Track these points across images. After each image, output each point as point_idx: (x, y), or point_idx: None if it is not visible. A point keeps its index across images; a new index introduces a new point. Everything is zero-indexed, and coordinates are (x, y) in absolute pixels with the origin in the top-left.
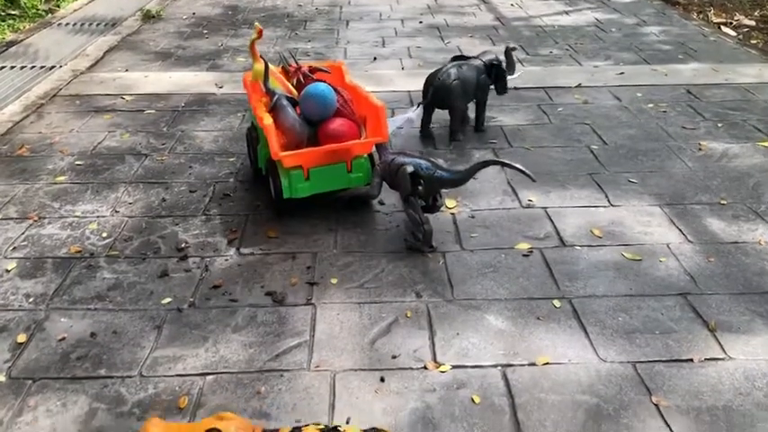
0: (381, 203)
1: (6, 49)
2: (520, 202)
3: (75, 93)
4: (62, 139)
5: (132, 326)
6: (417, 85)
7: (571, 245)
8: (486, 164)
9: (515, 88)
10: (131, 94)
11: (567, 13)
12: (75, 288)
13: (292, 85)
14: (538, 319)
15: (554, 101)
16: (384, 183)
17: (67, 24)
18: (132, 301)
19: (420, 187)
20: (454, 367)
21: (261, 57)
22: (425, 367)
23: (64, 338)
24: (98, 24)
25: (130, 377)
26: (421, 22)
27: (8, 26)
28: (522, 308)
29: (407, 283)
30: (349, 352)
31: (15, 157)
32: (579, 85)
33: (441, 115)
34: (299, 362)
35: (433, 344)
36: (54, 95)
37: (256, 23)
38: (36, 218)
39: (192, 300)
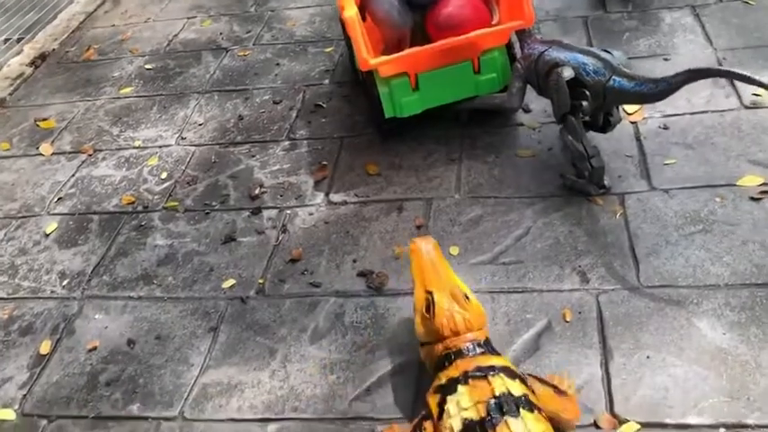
0: (526, 111)
1: None
2: (739, 97)
3: None
4: (135, 34)
5: (181, 326)
6: None
7: None
8: (703, 74)
9: None
10: None
11: None
12: (119, 263)
13: None
14: None
15: None
16: (529, 86)
17: None
18: (186, 284)
19: (585, 102)
20: (645, 426)
21: None
22: (596, 425)
23: (95, 348)
24: None
25: (169, 420)
26: None
27: None
28: (756, 304)
29: (566, 254)
30: None
31: (81, 63)
32: None
33: None
34: (400, 403)
35: (607, 376)
36: None
37: None
38: (91, 151)
39: (260, 282)
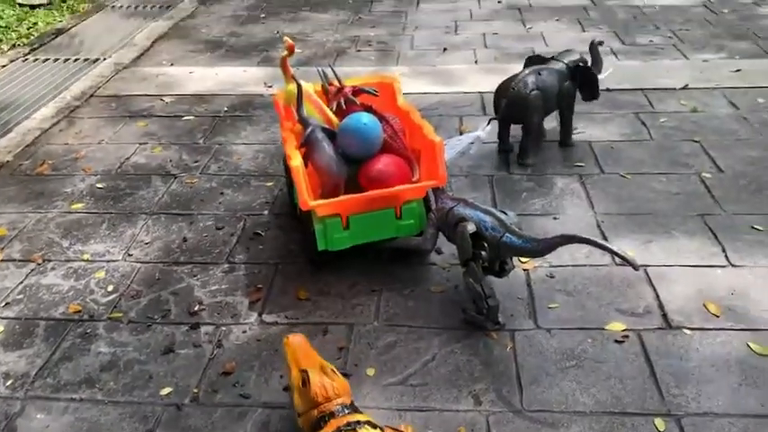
0: (438, 253)
1: (54, 39)
2: (613, 256)
3: (113, 93)
4: (88, 153)
5: (120, 428)
6: (491, 84)
7: (678, 326)
8: (571, 239)
9: (608, 89)
10: (172, 95)
11: None
12: (63, 367)
13: (332, 110)
14: None
15: (655, 108)
16: (441, 233)
17: (121, 7)
18: (126, 390)
19: (483, 252)
20: None
21: (293, 77)
22: None
23: None
24: (152, 7)
25: None
26: (500, 2)
27: (67, 8)
28: (613, 429)
29: (464, 379)
30: None
31: (34, 177)
32: (686, 87)
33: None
34: None
35: None
36: (90, 96)
37: (285, 38)
38: (40, 260)
39: (195, 391)
